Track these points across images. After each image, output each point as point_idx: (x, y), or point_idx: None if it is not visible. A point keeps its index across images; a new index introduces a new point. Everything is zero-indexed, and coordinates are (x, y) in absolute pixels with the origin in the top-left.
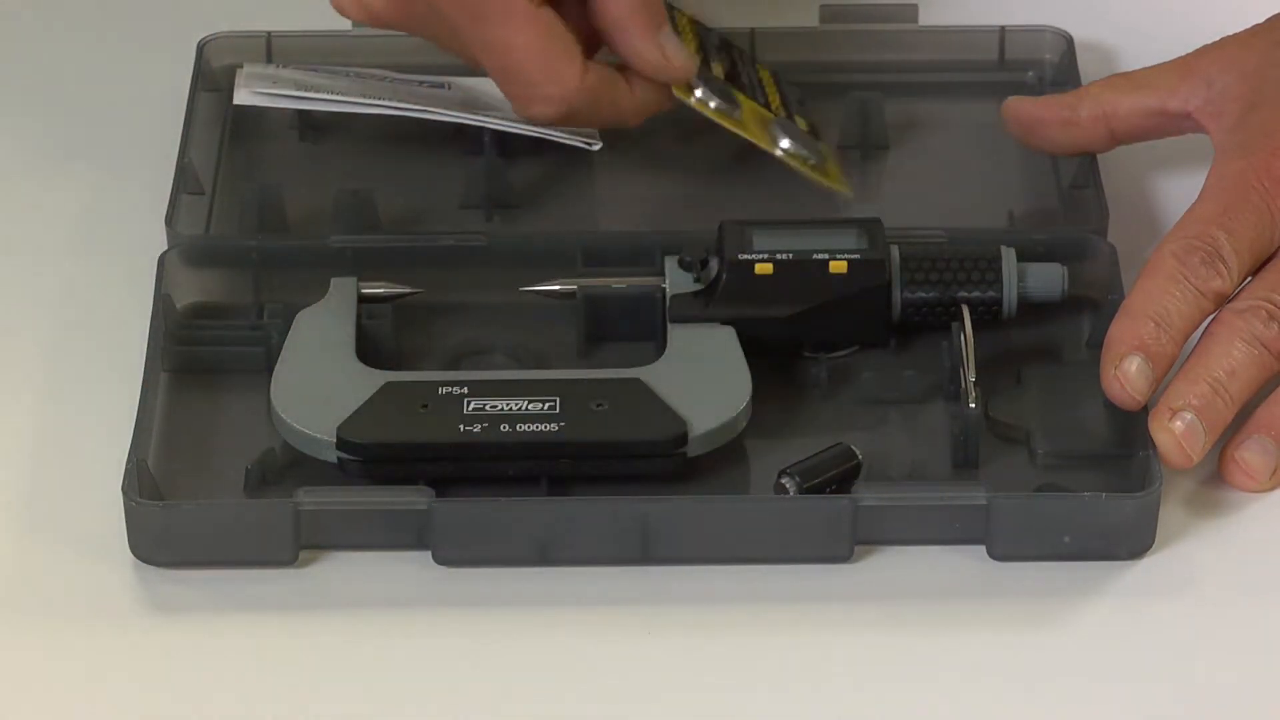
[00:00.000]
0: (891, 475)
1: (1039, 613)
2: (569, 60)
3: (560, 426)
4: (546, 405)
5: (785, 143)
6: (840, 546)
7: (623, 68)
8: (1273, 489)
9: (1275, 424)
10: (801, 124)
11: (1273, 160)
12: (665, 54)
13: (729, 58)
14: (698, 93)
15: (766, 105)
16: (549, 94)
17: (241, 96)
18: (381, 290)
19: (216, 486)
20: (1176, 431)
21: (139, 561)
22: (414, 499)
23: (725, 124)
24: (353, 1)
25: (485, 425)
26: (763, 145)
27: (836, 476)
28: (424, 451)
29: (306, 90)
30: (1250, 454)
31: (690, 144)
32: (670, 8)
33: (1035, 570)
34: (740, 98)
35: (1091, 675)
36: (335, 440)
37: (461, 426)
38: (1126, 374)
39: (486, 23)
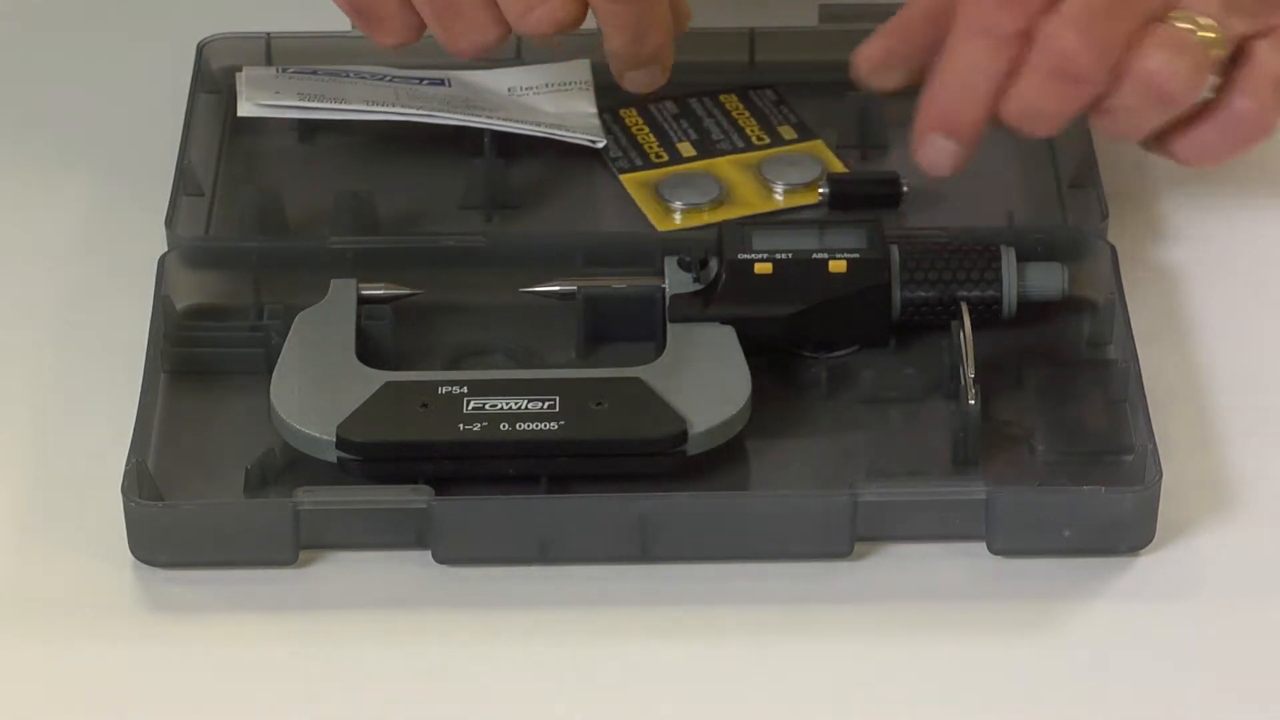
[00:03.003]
0: (892, 473)
1: (1039, 608)
2: None
3: (560, 425)
4: (546, 404)
5: (779, 189)
6: (840, 543)
7: None
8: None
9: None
10: (788, 133)
11: None
12: None
13: (691, 123)
14: (677, 215)
15: (748, 143)
16: None
17: (245, 108)
18: (381, 291)
19: (216, 487)
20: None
21: (139, 562)
22: (413, 498)
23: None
24: None
25: (485, 424)
26: (767, 208)
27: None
28: (424, 450)
29: (309, 100)
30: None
31: None
32: (618, 118)
33: (1035, 565)
34: (720, 164)
35: (1092, 671)
36: (335, 440)
37: (461, 426)
38: (925, 158)
39: None
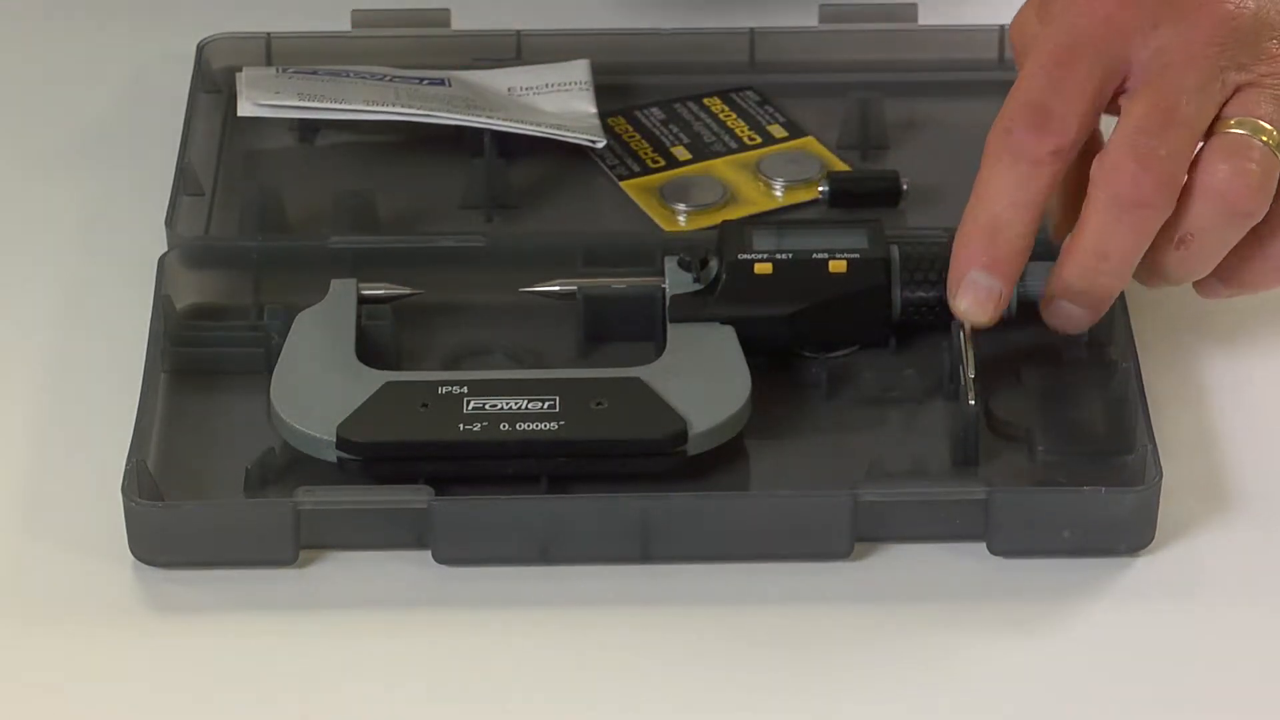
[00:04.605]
0: (892, 473)
1: (1039, 609)
2: None
3: (560, 425)
4: (546, 404)
5: (779, 187)
6: (840, 543)
7: None
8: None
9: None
10: (778, 131)
11: (1093, 3)
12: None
13: (680, 127)
14: (681, 218)
15: (740, 144)
16: None
17: (245, 108)
18: (381, 291)
19: (216, 487)
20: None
21: (139, 562)
22: (413, 498)
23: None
24: None
25: (485, 424)
26: (769, 206)
27: None
28: (424, 450)
29: (309, 100)
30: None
31: None
32: (606, 126)
33: (1035, 566)
34: (718, 165)
35: (1091, 671)
36: (335, 440)
37: (461, 426)
38: (964, 300)
39: None
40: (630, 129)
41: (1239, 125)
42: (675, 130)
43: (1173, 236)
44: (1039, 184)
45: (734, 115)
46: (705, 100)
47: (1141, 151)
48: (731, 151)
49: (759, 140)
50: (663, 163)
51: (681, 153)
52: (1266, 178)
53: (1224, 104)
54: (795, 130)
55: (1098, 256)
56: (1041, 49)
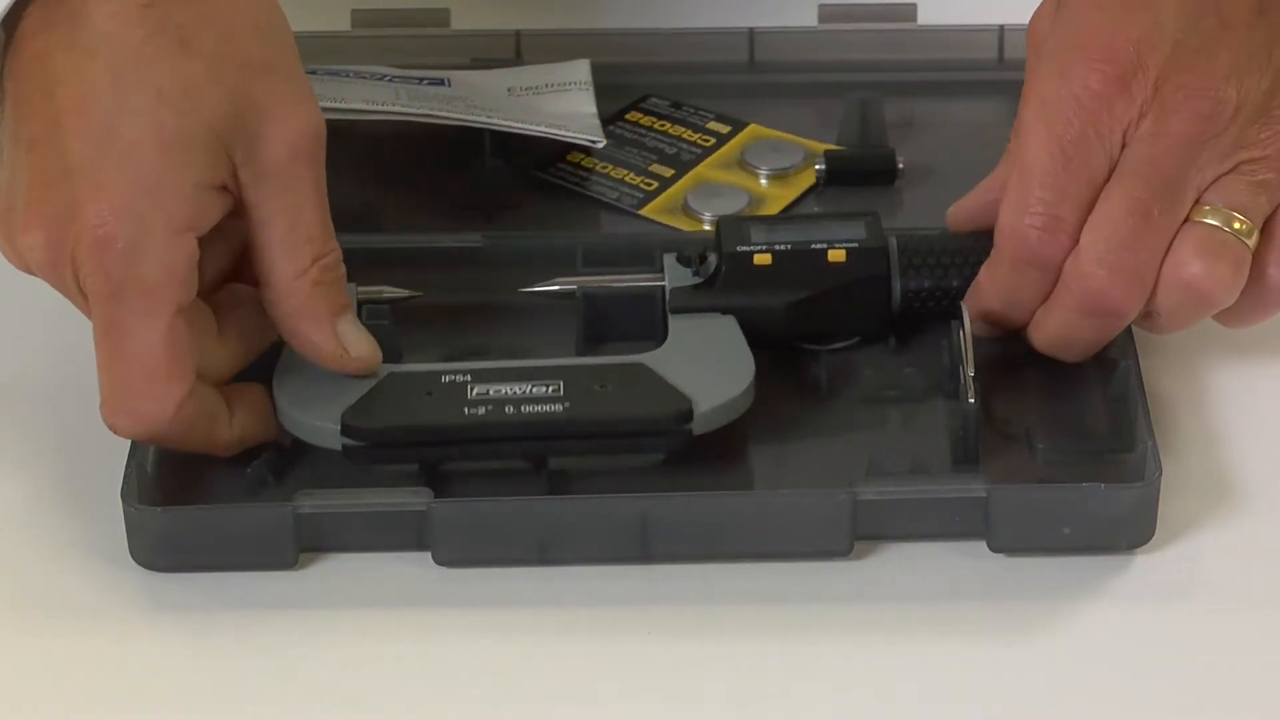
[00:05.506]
0: (892, 471)
1: (1039, 606)
2: (177, 382)
3: (564, 407)
4: (551, 388)
5: (764, 175)
6: (840, 541)
7: (229, 395)
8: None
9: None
10: (718, 127)
11: (1089, 75)
12: (343, 344)
13: (636, 148)
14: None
15: (703, 147)
16: (140, 409)
17: None
18: (381, 294)
19: (216, 491)
20: None
21: (139, 566)
22: (413, 500)
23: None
24: (10, 251)
25: (490, 408)
26: (786, 200)
27: None
28: (429, 435)
29: None
30: None
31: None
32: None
33: (1035, 563)
34: (703, 172)
35: (1091, 670)
36: (340, 427)
37: (466, 410)
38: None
39: (120, 303)
40: (598, 163)
41: (1213, 214)
42: (636, 151)
43: (1142, 311)
44: (1046, 284)
45: (665, 123)
46: (627, 117)
47: (1112, 262)
48: (700, 157)
49: (712, 141)
50: (656, 185)
51: (663, 170)
52: (1238, 269)
53: (1202, 193)
54: (735, 123)
55: (1064, 343)
56: (1046, 135)
